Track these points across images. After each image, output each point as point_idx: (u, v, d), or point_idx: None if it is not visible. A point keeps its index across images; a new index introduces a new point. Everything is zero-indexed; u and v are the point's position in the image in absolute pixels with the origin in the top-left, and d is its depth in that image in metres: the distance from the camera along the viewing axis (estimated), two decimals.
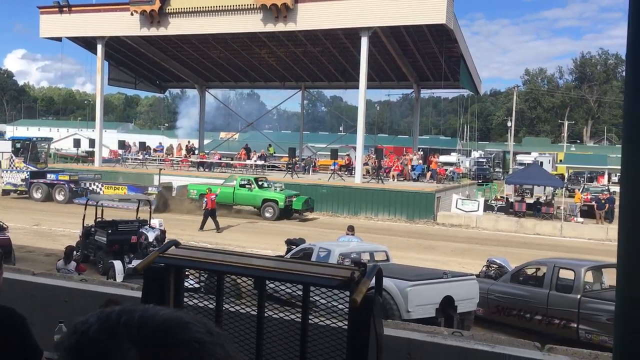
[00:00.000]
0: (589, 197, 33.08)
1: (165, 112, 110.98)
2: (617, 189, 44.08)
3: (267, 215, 26.59)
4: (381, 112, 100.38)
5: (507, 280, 11.93)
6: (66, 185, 29.99)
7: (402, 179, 33.75)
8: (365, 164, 34.76)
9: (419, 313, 9.93)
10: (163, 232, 16.21)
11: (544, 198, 31.29)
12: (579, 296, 10.51)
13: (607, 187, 41.62)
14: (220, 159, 41.05)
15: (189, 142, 44.61)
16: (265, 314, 2.65)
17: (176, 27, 33.33)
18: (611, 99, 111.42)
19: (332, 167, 34.99)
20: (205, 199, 23.36)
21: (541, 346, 6.72)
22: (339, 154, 39.22)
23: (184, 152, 41.53)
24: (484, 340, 6.93)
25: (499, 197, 32.63)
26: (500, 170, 58.69)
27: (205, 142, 50.93)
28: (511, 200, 30.97)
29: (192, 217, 25.09)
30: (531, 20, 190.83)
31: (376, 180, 31.48)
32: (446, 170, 38.59)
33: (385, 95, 57.16)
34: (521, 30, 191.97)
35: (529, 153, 64.18)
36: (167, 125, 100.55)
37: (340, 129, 73.26)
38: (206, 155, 40.91)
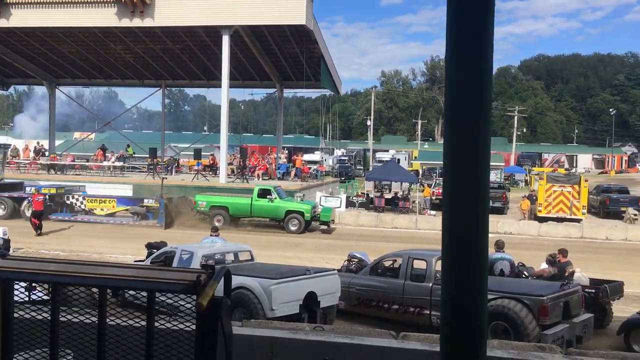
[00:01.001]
0: (440, 190, 35.49)
1: (9, 110, 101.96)
2: None
3: (292, 228, 24.25)
4: (246, 111, 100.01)
5: (367, 273, 12.44)
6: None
7: (267, 177, 33.92)
8: (230, 163, 34.47)
9: (283, 310, 10.03)
10: (7, 241, 14.93)
11: (401, 193, 33.04)
12: (430, 284, 11.21)
13: None
14: (73, 160, 38.51)
15: (37, 143, 41.33)
16: (113, 323, 2.52)
17: (19, 18, 30.66)
18: None
19: (196, 167, 34.28)
20: (31, 199, 22.68)
21: (396, 334, 7.11)
22: (202, 153, 38.53)
23: (31, 153, 38.41)
24: (344, 333, 7.20)
25: (360, 194, 33.93)
26: (362, 167, 61.10)
27: (58, 142, 47.50)
28: (371, 196, 32.35)
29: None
30: (387, 25, 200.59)
31: (241, 179, 31.34)
32: (310, 168, 39.43)
33: (249, 94, 57.12)
34: (378, 34, 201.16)
35: (387, 151, 67.51)
36: (12, 125, 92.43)
37: (205, 128, 72.01)
38: (57, 157, 38.16)
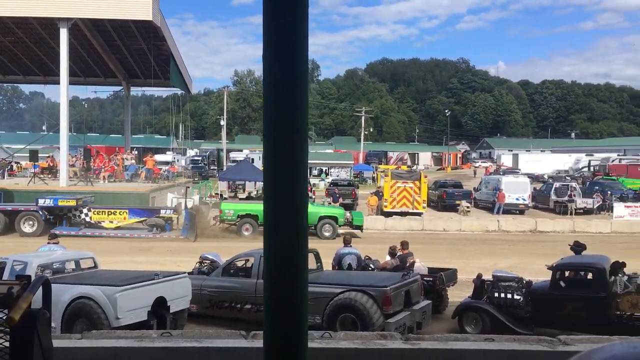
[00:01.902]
0: None
1: None
2: (315, 181, 49.14)
3: (326, 234, 23.06)
4: (90, 109, 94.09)
5: (219, 274, 12.31)
6: (40, 213, 22.92)
7: (113, 179, 32.22)
8: (72, 165, 32.24)
9: (129, 318, 9.59)
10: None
11: (255, 192, 33.16)
12: None
13: (307, 180, 46.10)
14: None
15: None
16: None
17: None
18: (310, 100, 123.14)
19: (33, 170, 31.60)
20: None
21: (246, 334, 7.11)
22: (40, 155, 35.64)
23: None
24: (192, 337, 7.04)
25: (213, 194, 33.49)
26: (215, 167, 60.39)
27: None
28: (225, 196, 32.07)
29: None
30: (238, 24, 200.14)
31: (85, 182, 29.44)
32: (161, 169, 38.14)
33: (93, 92, 53.85)
34: (229, 33, 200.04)
35: (241, 150, 67.38)
36: None
37: (44, 128, 66.56)
38: None
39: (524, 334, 9.66)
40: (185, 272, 11.62)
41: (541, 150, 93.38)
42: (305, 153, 1.72)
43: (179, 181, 37.51)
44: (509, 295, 11.40)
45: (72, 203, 23.45)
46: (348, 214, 24.60)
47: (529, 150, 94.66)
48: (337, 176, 52.17)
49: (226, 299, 11.80)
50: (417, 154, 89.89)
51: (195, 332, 7.52)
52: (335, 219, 23.60)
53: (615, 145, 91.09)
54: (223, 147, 68.41)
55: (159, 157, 49.12)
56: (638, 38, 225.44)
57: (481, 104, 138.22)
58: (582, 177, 52.21)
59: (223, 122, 70.52)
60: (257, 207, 24.21)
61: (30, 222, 22.99)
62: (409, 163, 72.33)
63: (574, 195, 33.35)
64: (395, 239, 17.91)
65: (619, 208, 30.47)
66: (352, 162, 61.43)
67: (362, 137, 75.25)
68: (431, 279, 12.73)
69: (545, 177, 53.91)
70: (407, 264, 13.00)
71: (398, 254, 13.44)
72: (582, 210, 31.76)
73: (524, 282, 11.78)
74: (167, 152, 60.49)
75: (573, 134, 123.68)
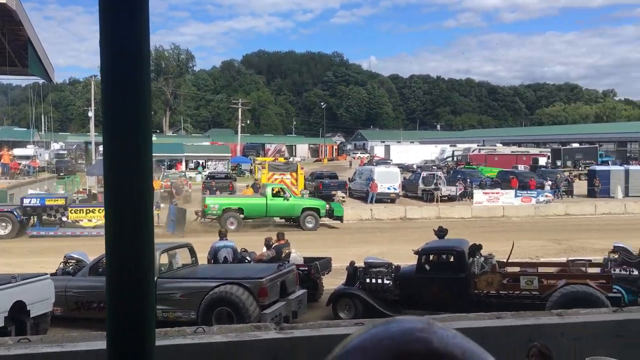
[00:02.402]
0: (169, 183, 35.05)
1: None
2: (192, 174, 48.07)
3: (309, 225, 23.90)
4: None
5: (86, 273, 11.66)
6: (13, 214, 21.78)
7: None
8: None
9: None
10: None
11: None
12: (155, 278, 11.01)
13: (184, 173, 45.03)
14: None
15: None
16: None
17: None
18: (185, 91, 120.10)
19: None
20: None
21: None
22: None
23: None
24: (54, 342, 6.63)
25: (81, 190, 31.62)
26: (83, 162, 57.01)
27: None
28: (94, 191, 30.41)
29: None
30: None
31: None
32: (20, 164, 35.35)
33: None
34: (95, 19, 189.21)
35: None
36: None
37: None
38: None
39: (392, 316, 10.14)
40: (46, 274, 10.87)
41: (411, 142, 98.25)
42: (148, 148, 1.67)
43: (42, 176, 35.00)
44: (379, 281, 11.92)
45: (61, 202, 22.69)
46: (328, 206, 25.10)
47: (400, 142, 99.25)
48: (215, 169, 51.41)
49: (94, 300, 11.20)
50: (295, 145, 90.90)
51: (57, 337, 7.08)
52: (317, 210, 24.47)
53: (475, 136, 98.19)
54: (91, 139, 64.64)
55: (18, 152, 45.44)
56: (494, 37, 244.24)
57: (355, 97, 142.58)
58: (447, 166, 55.65)
59: (91, 114, 66.51)
60: (243, 201, 24.56)
61: (4, 224, 21.75)
62: (286, 155, 72.93)
63: (440, 184, 35.47)
64: (273, 232, 18.00)
65: (478, 195, 32.87)
66: (230, 154, 60.78)
67: (239, 130, 74.63)
68: (306, 268, 12.96)
69: (414, 167, 56.83)
70: (283, 255, 13.13)
71: (274, 245, 13.53)
72: (446, 198, 33.85)
73: (393, 267, 12.37)
74: (28, 146, 56.07)
75: (439, 126, 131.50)
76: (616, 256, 12.50)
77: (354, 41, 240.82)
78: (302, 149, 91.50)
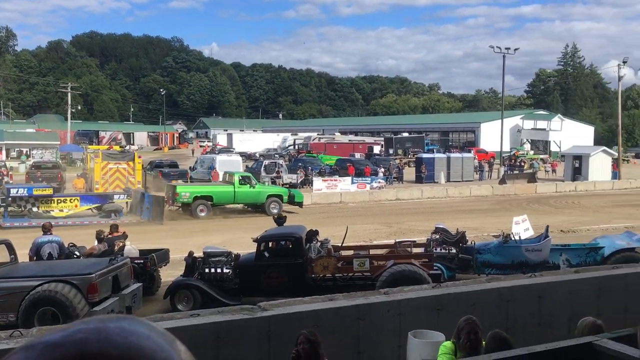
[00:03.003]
0: None
1: None
2: (14, 164, 43.80)
3: (274, 210, 24.34)
4: None
5: None
6: None
7: None
8: None
9: None
10: None
11: None
12: None
13: (4, 163, 40.97)
14: None
15: None
16: None
17: None
18: (5, 72, 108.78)
19: None
20: None
21: None
22: None
23: None
24: None
25: None
26: None
27: None
28: None
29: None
30: None
31: None
32: None
33: None
34: None
35: None
36: None
37: None
38: None
39: (232, 304, 10.11)
40: None
41: (254, 130, 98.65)
42: None
43: None
44: (219, 270, 11.81)
45: (49, 192, 22.58)
46: (289, 193, 26.49)
47: (243, 130, 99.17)
48: (41, 158, 47.29)
49: None
50: (133, 133, 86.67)
51: None
52: (280, 197, 25.91)
53: (316, 125, 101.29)
54: None
55: None
56: (332, 29, 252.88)
57: (196, 84, 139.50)
58: (289, 154, 56.76)
59: None
60: (212, 189, 25.55)
61: None
62: (123, 143, 69.26)
63: (281, 172, 36.05)
64: (96, 226, 16.96)
65: (318, 182, 33.96)
66: (59, 142, 56.29)
67: (69, 116, 69.27)
68: (142, 261, 12.44)
69: (257, 155, 57.16)
70: (116, 248, 12.46)
71: (106, 237, 12.78)
72: (287, 185, 34.52)
73: (233, 255, 12.32)
74: None
75: (281, 115, 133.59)
76: (437, 236, 13.64)
77: (194, 27, 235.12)
78: (141, 137, 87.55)
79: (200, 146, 73.99)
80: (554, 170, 47.25)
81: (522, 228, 17.23)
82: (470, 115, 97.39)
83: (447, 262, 12.99)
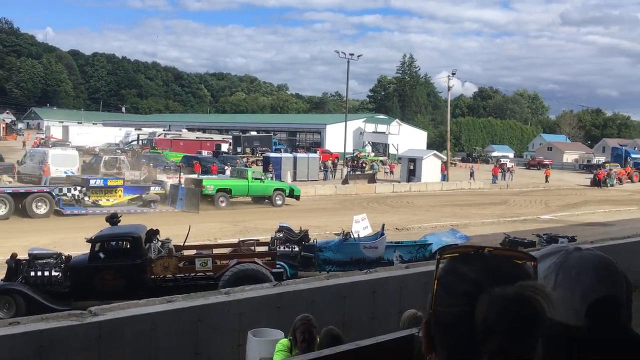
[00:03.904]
0: None
1: None
2: None
3: (279, 202, 28.44)
4: None
5: None
6: (49, 194, 22.78)
7: None
8: None
9: None
10: None
11: None
12: None
13: None
14: None
15: None
16: None
17: None
18: None
19: None
20: None
21: None
22: None
23: None
24: None
25: None
26: None
27: None
28: None
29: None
30: None
31: None
32: None
33: None
34: None
35: None
36: None
37: None
38: None
39: (60, 310, 9.37)
40: None
41: (93, 123, 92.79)
42: None
43: None
44: (47, 273, 10.90)
45: (120, 182, 25.19)
46: (290, 188, 29.85)
47: (81, 123, 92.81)
48: None
49: None
50: None
51: None
52: (284, 190, 29.24)
53: (162, 121, 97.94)
54: None
55: None
56: (180, 23, 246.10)
57: (28, 70, 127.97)
58: (132, 150, 54.19)
59: None
60: (231, 183, 28.43)
61: (41, 204, 22.56)
62: None
63: (122, 168, 34.27)
64: None
65: (162, 179, 32.79)
66: None
67: None
68: None
69: (96, 150, 53.81)
70: None
71: None
72: (129, 182, 32.89)
73: (64, 257, 11.44)
74: None
75: (124, 109, 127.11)
76: (281, 235, 13.83)
77: (26, 8, 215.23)
78: None
79: (42, 139, 67.54)
80: (391, 172, 50.27)
81: (361, 226, 18.05)
82: (316, 117, 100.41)
83: (290, 260, 13.22)
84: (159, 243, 11.65)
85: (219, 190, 27.09)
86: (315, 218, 23.99)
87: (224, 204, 26.93)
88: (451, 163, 53.85)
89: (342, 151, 54.51)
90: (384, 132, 76.53)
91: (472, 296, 0.91)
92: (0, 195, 21.94)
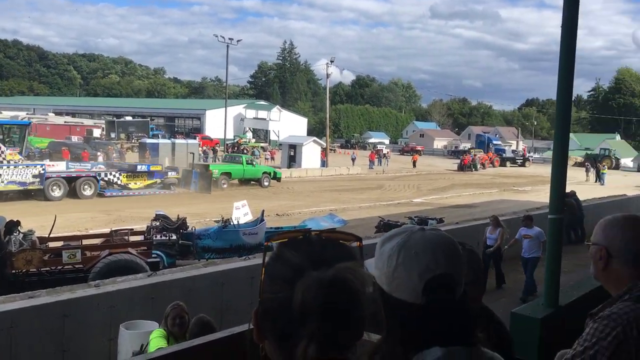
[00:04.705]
0: None
1: None
2: None
3: (266, 183, 32.74)
4: None
5: None
6: (95, 178, 25.94)
7: None
8: None
9: None
10: None
11: None
12: None
13: None
14: None
15: None
16: None
17: None
18: None
19: None
20: None
21: None
22: None
23: None
24: None
25: None
26: None
27: None
28: None
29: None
30: None
31: None
32: None
33: None
34: None
35: None
36: None
37: None
38: None
39: None
40: None
41: None
42: None
43: None
44: None
45: (159, 168, 28.84)
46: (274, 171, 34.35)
47: None
48: None
49: None
50: None
51: None
52: (269, 173, 33.63)
53: (25, 103, 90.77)
54: None
55: None
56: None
57: None
58: None
59: None
60: (231, 167, 31.95)
61: (87, 187, 25.37)
62: None
63: None
64: None
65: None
66: None
67: None
68: None
69: None
70: None
71: None
72: None
73: None
74: None
75: None
76: (157, 223, 13.39)
77: None
78: None
79: None
80: (272, 158, 50.44)
81: (242, 213, 17.95)
82: (196, 102, 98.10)
83: (168, 249, 12.85)
84: (21, 235, 10.81)
85: (223, 173, 31.24)
86: (194, 206, 23.52)
87: (225, 186, 30.79)
88: (330, 149, 55.02)
89: (223, 137, 53.76)
90: (265, 119, 76.52)
91: (292, 281, 0.92)
92: (56, 179, 24.76)
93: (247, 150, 53.62)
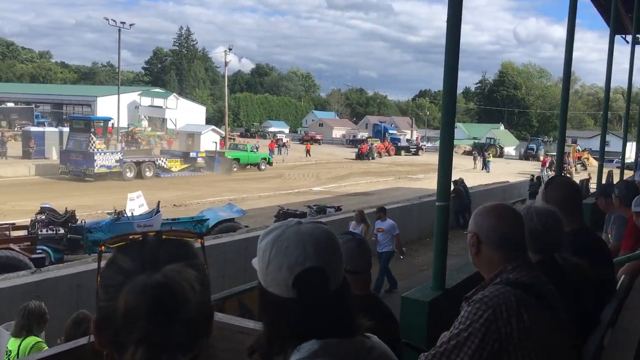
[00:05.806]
0: None
1: None
2: None
3: (262, 167, 39.22)
4: None
5: None
6: (154, 163, 32.37)
7: None
8: None
9: None
10: None
11: None
12: None
13: None
14: None
15: None
16: None
17: None
18: None
19: None
20: None
21: None
22: None
23: None
24: None
25: None
26: None
27: None
28: None
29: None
30: None
31: None
32: None
33: None
34: None
35: None
36: None
37: None
38: None
39: None
40: None
41: None
42: None
43: None
44: None
45: (203, 154, 36.15)
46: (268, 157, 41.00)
47: None
48: None
49: None
50: None
51: None
52: (265, 159, 40.52)
53: None
54: None
55: None
56: None
57: None
58: None
59: None
60: (240, 154, 39.16)
61: (148, 170, 31.60)
62: None
63: None
64: None
65: None
66: None
67: None
68: None
69: None
70: None
71: None
72: None
73: None
74: None
75: None
76: (43, 217, 12.62)
77: None
78: None
79: None
80: (169, 147, 49.00)
81: (137, 204, 17.28)
82: (86, 88, 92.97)
83: (55, 244, 12.16)
84: None
85: (234, 159, 37.76)
86: (86, 197, 22.43)
87: (235, 169, 36.99)
88: (230, 138, 54.34)
89: (116, 126, 51.45)
90: (161, 107, 74.07)
91: (120, 287, 0.90)
92: (129, 163, 31.02)
93: (141, 139, 51.67)
